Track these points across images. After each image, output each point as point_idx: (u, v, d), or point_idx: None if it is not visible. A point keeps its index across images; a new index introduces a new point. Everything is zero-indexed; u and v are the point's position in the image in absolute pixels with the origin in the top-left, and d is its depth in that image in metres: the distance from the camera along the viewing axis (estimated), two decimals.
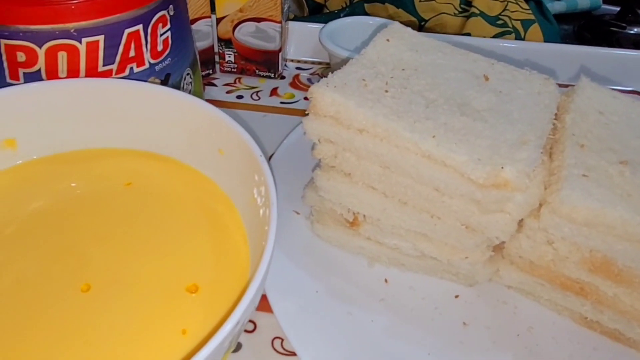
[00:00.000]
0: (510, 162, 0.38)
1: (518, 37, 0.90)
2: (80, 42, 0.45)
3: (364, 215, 0.48)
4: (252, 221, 0.42)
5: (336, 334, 0.44)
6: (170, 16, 0.51)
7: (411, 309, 0.48)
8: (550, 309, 0.48)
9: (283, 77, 0.83)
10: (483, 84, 0.46)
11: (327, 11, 1.05)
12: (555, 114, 0.44)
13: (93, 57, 0.46)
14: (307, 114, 0.45)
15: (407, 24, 0.53)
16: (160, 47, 0.51)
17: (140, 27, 0.48)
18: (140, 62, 0.50)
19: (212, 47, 0.80)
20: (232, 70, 0.82)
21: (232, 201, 0.46)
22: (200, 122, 0.45)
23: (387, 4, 0.96)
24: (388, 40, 0.50)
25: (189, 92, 0.57)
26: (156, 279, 0.39)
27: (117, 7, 0.45)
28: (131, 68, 0.49)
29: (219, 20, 0.77)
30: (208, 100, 0.46)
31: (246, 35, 0.78)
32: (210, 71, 0.82)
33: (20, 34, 0.43)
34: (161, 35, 0.51)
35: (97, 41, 0.46)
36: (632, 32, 0.99)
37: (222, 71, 0.83)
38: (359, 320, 0.46)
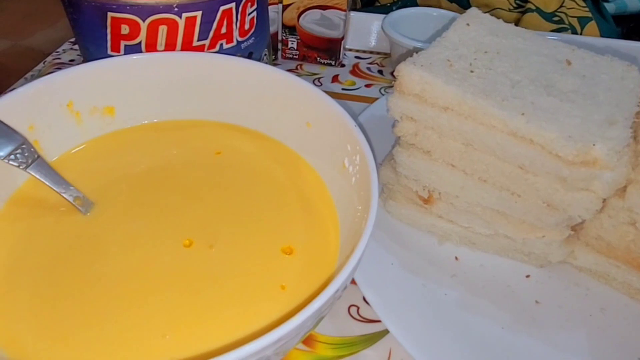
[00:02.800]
0: (601, 140, 0.39)
1: (574, 34, 0.91)
2: (181, 17, 0.47)
3: (440, 193, 0.50)
4: (340, 190, 0.44)
5: (413, 303, 0.46)
6: None
7: (482, 285, 0.49)
8: (622, 292, 0.49)
9: (343, 65, 0.85)
10: (566, 68, 0.47)
11: (379, 4, 1.07)
12: None
13: (190, 32, 0.49)
14: (392, 92, 0.47)
15: None
16: (247, 26, 0.53)
17: (233, 5, 0.50)
18: (230, 39, 0.52)
19: (277, 33, 0.82)
20: (294, 57, 0.84)
21: (317, 171, 0.48)
22: (291, 96, 0.48)
23: None
24: (468, 24, 0.52)
25: None
26: (252, 239, 0.42)
27: None
28: (221, 44, 0.52)
29: (285, 7, 0.79)
30: None
31: (311, 22, 0.80)
32: (273, 57, 0.84)
33: (128, 7, 0.46)
34: (249, 14, 0.53)
35: (195, 17, 0.48)
36: None
37: (284, 57, 0.85)
38: (433, 293, 0.48)
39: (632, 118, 0.42)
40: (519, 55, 0.48)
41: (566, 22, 0.92)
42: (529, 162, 0.42)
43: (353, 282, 0.46)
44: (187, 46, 0.50)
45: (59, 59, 0.80)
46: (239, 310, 0.36)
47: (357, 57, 0.87)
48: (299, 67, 0.84)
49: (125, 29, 0.47)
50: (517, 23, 0.93)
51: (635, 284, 0.47)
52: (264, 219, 0.44)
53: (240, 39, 0.53)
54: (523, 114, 0.41)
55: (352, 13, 0.89)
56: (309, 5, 0.78)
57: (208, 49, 0.51)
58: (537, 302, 0.48)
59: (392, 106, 0.47)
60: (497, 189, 0.46)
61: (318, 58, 0.84)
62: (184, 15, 0.47)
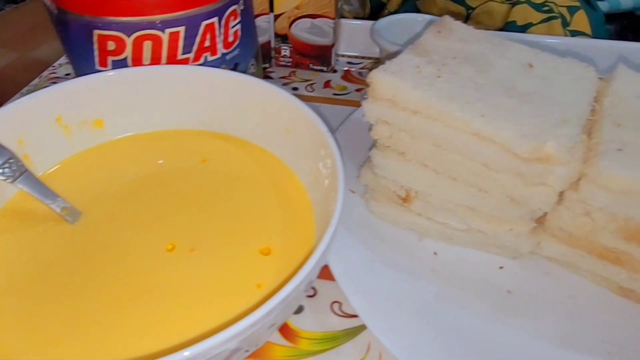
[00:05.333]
0: (553, 137, 0.41)
1: (564, 23, 0.91)
2: (164, 32, 0.51)
3: (416, 192, 0.53)
4: (317, 191, 0.47)
5: (392, 297, 0.48)
6: (240, 10, 0.56)
7: (460, 278, 0.52)
8: (590, 280, 0.51)
9: (335, 71, 0.88)
10: (528, 71, 0.50)
11: (387, 11, 1.09)
12: (595, 98, 0.48)
13: (174, 46, 0.52)
14: (367, 98, 0.50)
15: (455, 13, 0.57)
16: (231, 38, 0.56)
17: (215, 19, 0.53)
18: (214, 52, 0.55)
19: (269, 42, 0.85)
20: (287, 64, 0.87)
21: (297, 175, 0.51)
22: (272, 104, 0.51)
23: None
24: (439, 32, 0.55)
25: None
26: (233, 242, 0.45)
27: (197, 1, 0.51)
28: (205, 57, 0.55)
29: (276, 17, 0.82)
30: None
31: (301, 31, 0.82)
32: (267, 65, 0.87)
33: (113, 24, 0.49)
34: (232, 27, 0.56)
35: (179, 32, 0.51)
36: None
37: (278, 65, 0.88)
38: (413, 287, 0.50)
39: (585, 116, 0.45)
40: (486, 60, 0.51)
41: (556, 11, 0.93)
42: (492, 160, 0.45)
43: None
44: (172, 59, 0.53)
45: (54, 73, 0.84)
46: (216, 306, 0.39)
47: (349, 63, 0.90)
48: (292, 74, 0.87)
49: (111, 45, 0.50)
50: (508, 14, 0.94)
51: (598, 271, 0.49)
52: (245, 222, 0.46)
53: (224, 51, 0.56)
54: (483, 115, 0.44)
55: (344, 21, 0.92)
56: (299, 15, 0.81)
57: (193, 61, 0.54)
58: (509, 291, 0.50)
59: (367, 111, 0.50)
60: (466, 186, 0.49)
61: (310, 65, 0.86)
62: (167, 30, 0.50)
